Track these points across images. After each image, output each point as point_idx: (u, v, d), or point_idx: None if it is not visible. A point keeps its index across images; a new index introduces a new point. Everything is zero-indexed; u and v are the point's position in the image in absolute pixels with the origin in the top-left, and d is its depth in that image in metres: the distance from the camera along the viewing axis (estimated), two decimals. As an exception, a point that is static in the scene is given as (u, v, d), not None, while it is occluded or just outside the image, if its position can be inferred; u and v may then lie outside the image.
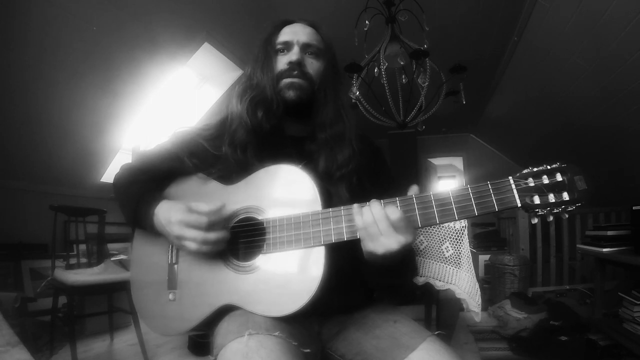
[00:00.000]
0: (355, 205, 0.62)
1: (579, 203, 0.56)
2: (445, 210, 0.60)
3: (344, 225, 0.64)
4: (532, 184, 0.58)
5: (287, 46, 0.81)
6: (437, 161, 6.42)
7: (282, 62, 0.80)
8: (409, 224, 0.59)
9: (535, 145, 4.50)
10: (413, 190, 0.62)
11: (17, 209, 2.61)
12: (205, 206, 0.66)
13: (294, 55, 0.79)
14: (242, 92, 0.80)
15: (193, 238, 0.65)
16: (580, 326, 2.17)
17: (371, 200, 0.61)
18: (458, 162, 6.64)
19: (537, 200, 0.58)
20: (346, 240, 0.64)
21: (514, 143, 5.14)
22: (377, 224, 0.59)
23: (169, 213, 0.69)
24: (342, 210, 0.65)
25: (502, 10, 2.74)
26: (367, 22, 2.26)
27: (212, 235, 0.66)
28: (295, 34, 0.81)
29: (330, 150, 0.77)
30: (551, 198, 0.57)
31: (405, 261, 0.68)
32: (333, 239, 0.64)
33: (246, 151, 0.76)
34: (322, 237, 0.65)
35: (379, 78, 2.34)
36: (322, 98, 0.80)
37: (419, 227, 0.62)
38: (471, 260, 1.62)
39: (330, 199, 0.71)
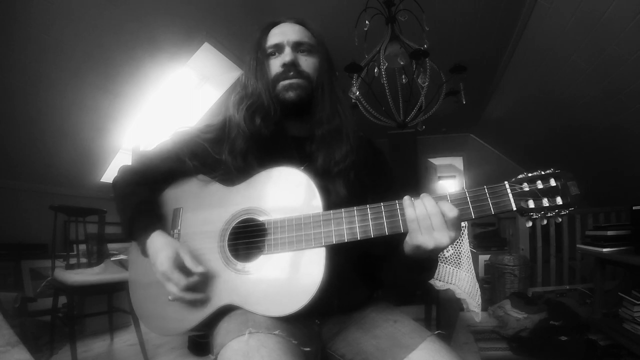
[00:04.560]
0: (407, 198, 0.63)
1: (571, 207, 0.59)
2: None
3: (344, 227, 0.64)
4: (527, 189, 0.60)
5: (278, 48, 0.79)
6: (437, 161, 6.43)
7: (276, 65, 0.79)
8: (459, 220, 0.60)
9: (535, 145, 4.50)
10: (405, 200, 0.63)
11: (17, 209, 2.61)
12: (191, 264, 0.68)
13: (286, 56, 0.77)
14: (238, 101, 0.80)
15: (170, 291, 0.69)
16: (580, 326, 2.17)
17: (422, 195, 0.62)
18: (458, 162, 6.64)
19: (531, 204, 0.60)
20: (347, 242, 0.64)
21: (514, 143, 5.14)
22: (430, 218, 0.60)
23: (157, 254, 0.70)
24: (342, 212, 0.65)
25: (502, 10, 2.74)
26: (367, 22, 2.26)
27: (188, 296, 0.68)
28: (284, 34, 0.80)
29: (327, 146, 0.77)
30: (545, 202, 0.59)
31: (438, 259, 0.71)
32: (334, 240, 0.65)
33: (247, 158, 0.76)
34: (323, 239, 0.65)
35: (379, 78, 2.34)
36: (320, 95, 0.79)
37: (473, 218, 0.63)
38: (471, 260, 1.63)
39: (328, 196, 0.71)
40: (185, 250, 0.71)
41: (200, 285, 0.69)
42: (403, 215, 0.62)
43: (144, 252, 0.74)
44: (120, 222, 0.79)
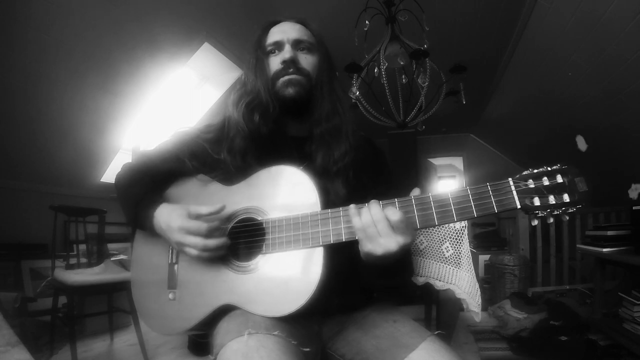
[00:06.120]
0: (352, 206, 0.62)
1: (579, 205, 0.56)
2: (444, 211, 0.60)
3: (342, 226, 0.64)
4: (532, 186, 0.58)
5: (278, 46, 0.80)
6: (437, 161, 6.42)
7: (276, 62, 0.79)
8: (408, 225, 0.59)
9: (535, 145, 4.50)
10: (415, 193, 0.62)
11: (17, 209, 2.61)
12: (204, 209, 0.67)
13: (286, 53, 0.78)
14: (237, 99, 0.80)
15: (194, 245, 0.66)
16: (580, 326, 2.17)
17: (370, 202, 0.61)
18: (458, 162, 6.64)
19: (537, 202, 0.57)
20: (345, 241, 0.64)
21: (514, 143, 5.14)
22: (375, 225, 0.59)
23: (169, 218, 0.69)
24: (340, 211, 0.65)
25: (502, 10, 2.74)
26: (367, 22, 2.26)
27: (212, 242, 0.66)
28: (284, 32, 0.80)
29: (327, 145, 0.77)
30: (551, 200, 0.57)
31: (402, 262, 0.68)
32: (332, 240, 0.64)
33: (245, 158, 0.75)
34: (321, 238, 0.65)
35: (379, 78, 2.34)
36: (319, 93, 0.79)
37: (418, 229, 0.61)
38: (471, 260, 1.62)
39: (327, 195, 0.71)
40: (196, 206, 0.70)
41: (221, 231, 0.69)
42: (411, 212, 0.61)
43: (152, 229, 0.73)
44: (124, 211, 0.79)
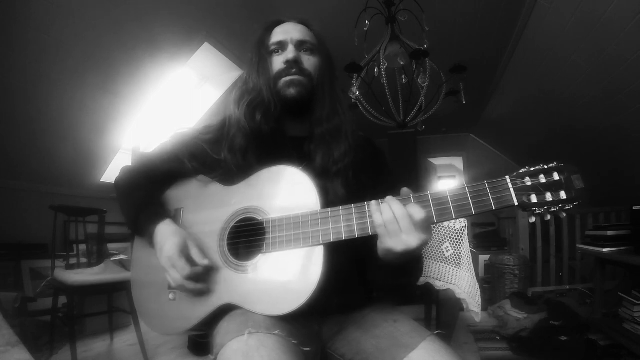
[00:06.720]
0: (373, 202, 0.62)
1: (576, 202, 0.57)
2: (443, 209, 0.60)
3: (342, 225, 0.64)
4: (529, 183, 0.58)
5: (282, 46, 0.80)
6: (437, 161, 6.42)
7: (279, 62, 0.79)
8: (428, 222, 0.60)
9: (535, 145, 4.50)
10: (404, 192, 0.63)
11: (17, 209, 2.61)
12: (197, 255, 0.69)
13: (290, 53, 0.78)
14: (239, 97, 0.80)
15: (174, 279, 0.69)
16: (580, 326, 2.17)
17: (387, 198, 0.61)
18: (458, 162, 6.64)
19: (534, 199, 0.58)
20: (345, 240, 0.64)
21: (514, 143, 5.14)
22: (397, 222, 0.59)
23: (164, 241, 0.71)
24: (340, 210, 0.65)
25: (502, 10, 2.74)
26: (367, 22, 2.27)
27: (189, 285, 0.68)
28: (288, 32, 0.80)
29: (327, 145, 0.77)
30: (548, 197, 0.58)
31: (416, 261, 0.69)
32: (332, 239, 0.64)
33: (246, 156, 0.76)
34: (321, 237, 0.65)
35: (379, 78, 2.34)
36: (320, 94, 0.79)
37: None
38: (471, 260, 1.62)
39: (327, 195, 0.71)
40: (193, 241, 0.72)
41: (202, 277, 0.70)
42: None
43: (151, 242, 0.74)
44: (125, 216, 0.79)
